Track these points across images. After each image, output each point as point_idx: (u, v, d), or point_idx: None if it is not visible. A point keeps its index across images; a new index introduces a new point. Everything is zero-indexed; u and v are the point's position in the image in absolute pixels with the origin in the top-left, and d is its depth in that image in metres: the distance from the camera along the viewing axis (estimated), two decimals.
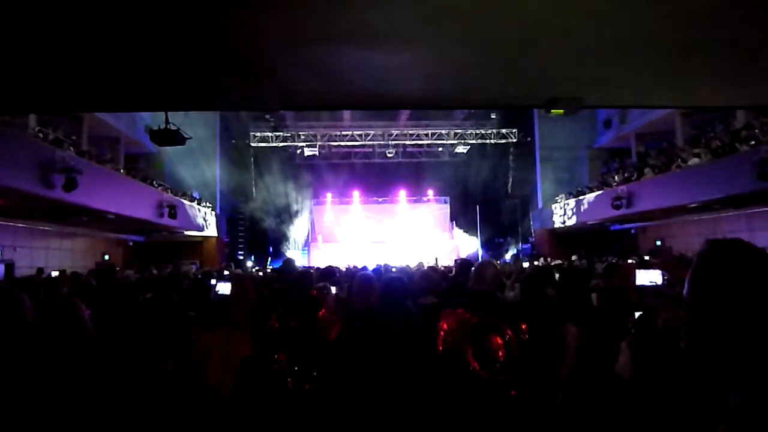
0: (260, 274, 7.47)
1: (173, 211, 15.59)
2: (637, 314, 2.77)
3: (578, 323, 2.98)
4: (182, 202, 17.05)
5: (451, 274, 6.72)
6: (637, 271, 2.63)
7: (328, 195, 25.17)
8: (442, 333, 1.98)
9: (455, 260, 10.61)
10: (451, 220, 25.30)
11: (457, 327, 1.94)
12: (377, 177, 24.62)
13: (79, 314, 1.93)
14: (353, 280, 3.62)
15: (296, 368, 2.07)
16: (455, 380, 1.88)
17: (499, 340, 1.89)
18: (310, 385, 2.03)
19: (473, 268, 2.85)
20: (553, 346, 2.97)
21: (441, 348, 1.98)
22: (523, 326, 1.95)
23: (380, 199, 25.45)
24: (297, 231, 23.75)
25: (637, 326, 2.74)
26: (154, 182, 16.32)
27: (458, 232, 24.61)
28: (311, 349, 2.12)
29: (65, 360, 1.76)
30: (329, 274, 4.36)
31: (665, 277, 2.49)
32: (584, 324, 2.94)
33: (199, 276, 7.22)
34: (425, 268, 6.65)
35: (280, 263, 5.12)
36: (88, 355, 1.84)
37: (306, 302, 2.32)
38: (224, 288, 2.75)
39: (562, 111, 3.92)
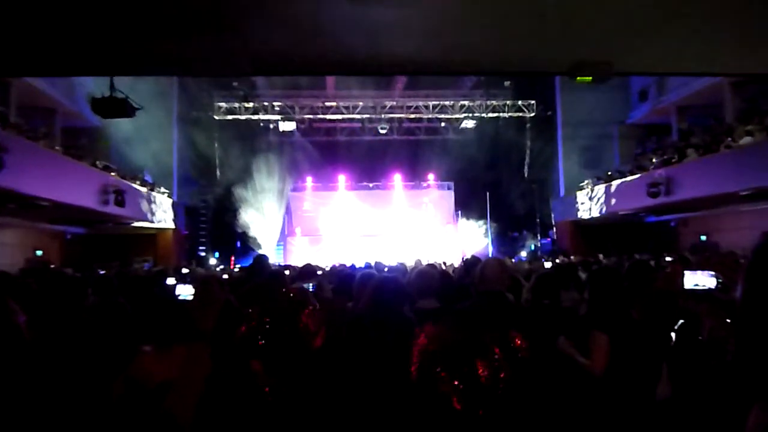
0: (225, 276, 7.38)
1: (121, 197, 15.55)
2: (678, 323, 2.81)
3: (610, 333, 2.96)
4: (132, 187, 17.02)
5: (454, 274, 6.72)
6: (685, 272, 2.58)
7: (309, 179, 25.24)
8: (416, 352, 1.94)
9: (462, 258, 10.78)
10: (456, 210, 25.51)
11: (433, 346, 1.90)
12: (367, 158, 24.66)
13: (12, 321, 1.90)
14: (339, 280, 3.63)
15: (275, 379, 2.04)
16: (429, 413, 1.85)
17: (483, 364, 1.85)
18: (291, 398, 1.99)
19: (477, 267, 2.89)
20: (569, 363, 2.97)
21: (415, 373, 1.94)
22: (518, 341, 1.90)
23: (371, 185, 25.59)
24: (271, 222, 23.68)
25: (677, 337, 2.77)
26: (98, 162, 16.25)
27: (464, 224, 24.89)
28: (293, 355, 2.13)
29: None
30: (308, 274, 4.34)
31: (719, 280, 2.47)
32: (619, 335, 2.92)
33: (153, 276, 7.18)
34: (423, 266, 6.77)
35: (250, 261, 5.27)
36: (21, 370, 1.82)
37: (285, 303, 2.26)
38: (185, 291, 2.74)
39: (590, 78, 3.91)
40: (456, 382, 1.73)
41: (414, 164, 25.28)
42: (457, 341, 1.87)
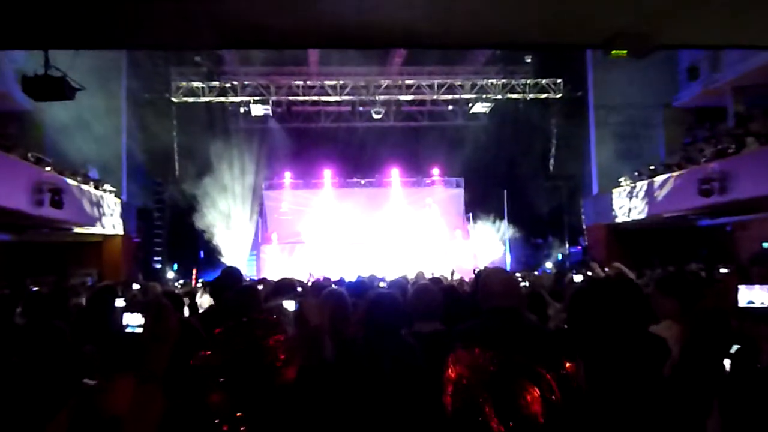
0: (185, 299, 7.32)
1: (58, 197, 15.33)
2: (732, 348, 2.77)
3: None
4: (72, 185, 16.88)
5: (463, 290, 6.66)
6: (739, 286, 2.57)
7: (287, 174, 25.13)
8: (450, 386, 1.95)
9: (474, 270, 10.90)
10: (467, 211, 25.41)
11: (472, 375, 1.92)
12: (358, 148, 24.40)
13: None
14: (325, 297, 3.63)
15: (237, 413, 2.06)
16: None
17: (535, 392, 1.88)
18: None
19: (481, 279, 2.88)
20: (621, 392, 2.98)
21: (450, 407, 1.96)
22: (568, 365, 1.92)
23: (363, 181, 25.42)
24: (241, 227, 23.58)
25: (732, 365, 2.74)
26: (30, 155, 16.09)
27: (476, 229, 24.91)
28: (258, 389, 2.16)
29: None
30: (286, 289, 4.36)
31: None
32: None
33: (96, 294, 7.19)
34: (424, 280, 6.67)
35: (218, 274, 5.21)
36: None
37: (253, 325, 2.31)
38: (133, 321, 2.75)
39: (626, 52, 3.93)
40: (504, 418, 1.78)
41: (415, 156, 24.98)
42: (498, 367, 1.88)
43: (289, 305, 3.19)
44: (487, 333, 3.03)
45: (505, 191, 23.89)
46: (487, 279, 3.34)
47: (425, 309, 3.73)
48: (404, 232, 24.02)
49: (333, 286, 5.38)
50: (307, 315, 2.80)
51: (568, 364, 1.95)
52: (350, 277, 9.62)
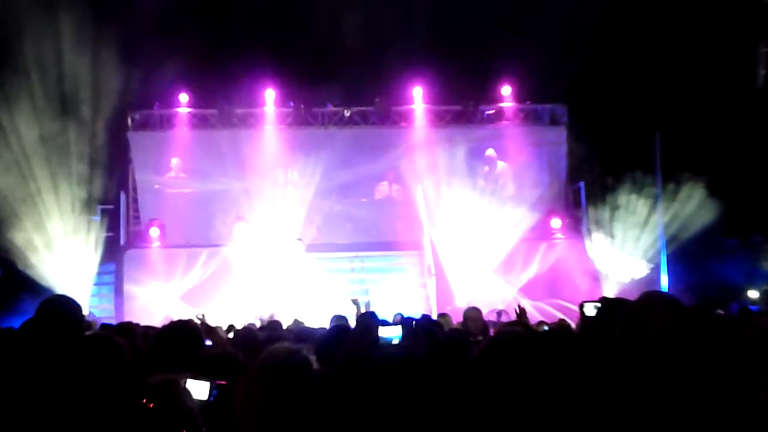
0: None
1: None
2: None
3: None
4: None
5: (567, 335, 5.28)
6: None
7: (183, 96, 16.24)
8: None
9: (601, 301, 5.47)
10: (572, 179, 16.48)
11: None
12: (332, 39, 16.01)
13: None
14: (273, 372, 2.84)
15: None
16: None
17: None
18: None
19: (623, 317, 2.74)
20: None
21: None
22: None
23: (347, 112, 16.52)
24: (70, 222, 15.00)
25: None
26: None
27: (597, 216, 15.78)
28: None
29: None
30: (187, 347, 3.75)
31: None
32: None
33: None
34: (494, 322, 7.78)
35: (33, 314, 3.83)
36: None
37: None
38: None
39: None
40: None
41: (460, 57, 16.36)
42: None
43: (198, 389, 2.69)
44: None
45: (657, 137, 15.09)
46: (645, 315, 2.76)
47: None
48: (436, 216, 15.25)
49: (284, 341, 4.24)
50: (245, 416, 2.51)
51: None
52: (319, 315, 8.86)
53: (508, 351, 2.30)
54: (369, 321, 4.58)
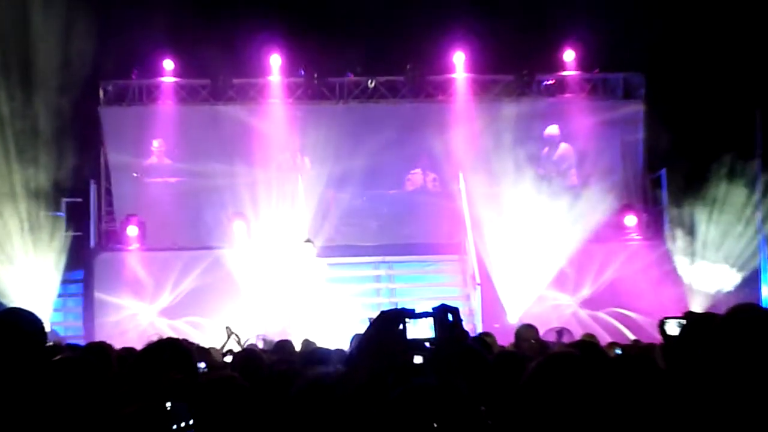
0: None
1: None
2: None
3: None
4: None
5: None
6: None
7: (168, 63, 15.60)
8: None
9: (686, 317, 5.36)
10: (651, 167, 15.80)
11: None
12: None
13: None
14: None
15: None
16: None
17: None
18: None
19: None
20: None
21: None
22: None
23: (371, 83, 15.92)
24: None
25: None
26: None
27: (679, 211, 14.98)
28: None
29: None
30: (175, 369, 3.47)
31: None
32: None
33: None
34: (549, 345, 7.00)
35: None
36: None
37: None
38: None
39: None
40: None
41: (512, 22, 15.30)
42: None
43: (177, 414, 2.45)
44: None
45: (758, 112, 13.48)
46: (737, 334, 2.61)
47: None
48: (481, 212, 14.21)
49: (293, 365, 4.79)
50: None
51: None
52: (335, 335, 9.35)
53: (564, 379, 1.86)
54: (388, 328, 3.32)
